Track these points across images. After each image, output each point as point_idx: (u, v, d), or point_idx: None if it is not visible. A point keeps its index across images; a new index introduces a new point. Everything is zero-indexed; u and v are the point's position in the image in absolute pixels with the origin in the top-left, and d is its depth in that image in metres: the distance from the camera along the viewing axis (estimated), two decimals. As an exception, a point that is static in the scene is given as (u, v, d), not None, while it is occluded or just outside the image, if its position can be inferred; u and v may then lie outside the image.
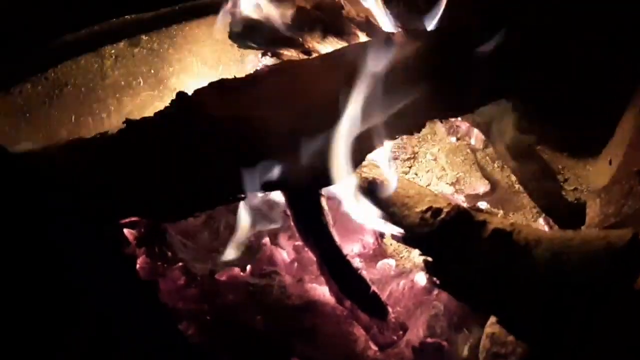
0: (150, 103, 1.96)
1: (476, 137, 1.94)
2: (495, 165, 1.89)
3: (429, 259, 1.05)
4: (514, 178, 1.85)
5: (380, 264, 1.40)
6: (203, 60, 2.06)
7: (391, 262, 1.39)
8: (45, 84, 1.69)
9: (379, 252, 1.49)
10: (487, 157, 1.90)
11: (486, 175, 1.84)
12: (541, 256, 0.93)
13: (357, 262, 1.45)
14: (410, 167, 1.85)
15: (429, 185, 1.78)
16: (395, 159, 1.84)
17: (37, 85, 1.67)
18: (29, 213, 1.23)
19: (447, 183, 1.77)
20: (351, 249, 1.48)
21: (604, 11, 1.50)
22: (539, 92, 1.73)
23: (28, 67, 1.65)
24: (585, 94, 1.69)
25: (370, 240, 1.47)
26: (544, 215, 1.69)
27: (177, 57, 2.00)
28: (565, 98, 1.75)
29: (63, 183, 1.29)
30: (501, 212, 1.75)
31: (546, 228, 1.65)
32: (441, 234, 1.04)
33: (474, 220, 1.01)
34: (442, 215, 1.04)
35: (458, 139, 1.94)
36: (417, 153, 1.87)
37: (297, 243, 1.41)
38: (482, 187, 1.77)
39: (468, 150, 1.89)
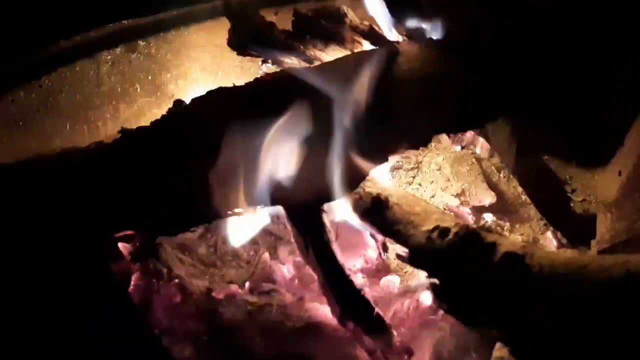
0: (148, 110, 1.92)
1: (481, 146, 1.89)
2: (502, 175, 1.84)
3: (436, 281, 1.00)
4: (520, 189, 1.80)
5: (383, 280, 1.35)
6: (202, 66, 2.02)
7: (395, 279, 1.34)
8: (39, 91, 1.64)
9: (382, 267, 1.44)
10: (493, 167, 1.86)
11: (492, 186, 1.79)
12: (555, 282, 0.88)
13: (359, 278, 1.41)
14: (414, 177, 1.80)
15: (433, 196, 1.73)
16: (399, 168, 1.79)
17: (30, 92, 1.62)
18: (19, 226, 1.20)
19: (452, 194, 1.72)
20: (353, 264, 1.43)
21: (613, 17, 1.46)
22: (547, 101, 1.68)
23: (21, 74, 1.60)
24: (594, 101, 1.65)
25: (373, 255, 1.42)
26: (552, 229, 1.64)
27: (175, 62, 1.96)
28: (572, 106, 1.71)
29: (55, 194, 1.26)
30: (507, 224, 1.71)
31: (554, 242, 1.60)
32: (449, 256, 0.99)
33: (484, 242, 0.96)
34: (450, 236, 1.00)
35: (463, 148, 1.90)
36: (420, 162, 1.82)
37: (297, 259, 1.36)
38: (488, 198, 1.72)
39: (473, 160, 1.84)
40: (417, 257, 1.04)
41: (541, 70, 1.37)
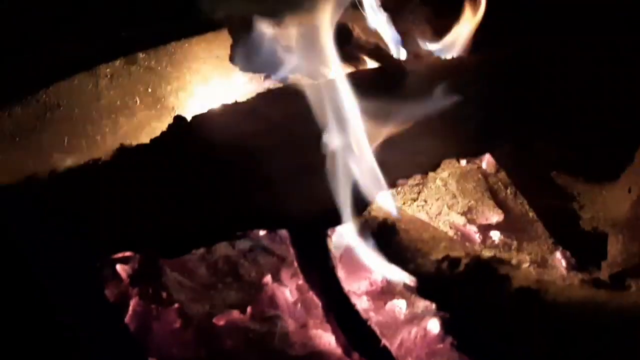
0: (147, 123, 1.88)
1: (487, 161, 1.85)
2: (509, 191, 1.80)
3: (446, 314, 0.96)
4: (528, 205, 1.76)
5: (389, 305, 1.31)
6: (203, 78, 1.98)
7: (401, 303, 1.29)
8: (36, 106, 1.60)
9: (388, 290, 1.40)
10: (500, 183, 1.81)
11: (499, 202, 1.75)
12: (571, 320, 0.84)
13: (364, 301, 1.37)
14: (418, 194, 1.75)
15: (439, 214, 1.69)
16: (403, 184, 1.75)
17: (27, 107, 1.58)
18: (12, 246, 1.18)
19: (458, 212, 1.68)
20: (358, 287, 1.39)
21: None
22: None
23: (18, 88, 1.56)
24: (604, 115, 1.62)
25: (378, 277, 1.38)
26: (561, 248, 1.60)
27: (175, 75, 1.92)
28: (581, 119, 1.68)
29: (51, 214, 1.23)
30: (515, 242, 1.66)
31: (563, 262, 1.56)
32: (459, 288, 0.96)
33: (496, 274, 0.93)
34: (461, 268, 0.96)
35: (468, 162, 1.85)
36: (425, 178, 1.78)
37: (300, 282, 1.32)
38: (495, 216, 1.68)
39: (479, 175, 1.80)
40: (426, 288, 1.00)
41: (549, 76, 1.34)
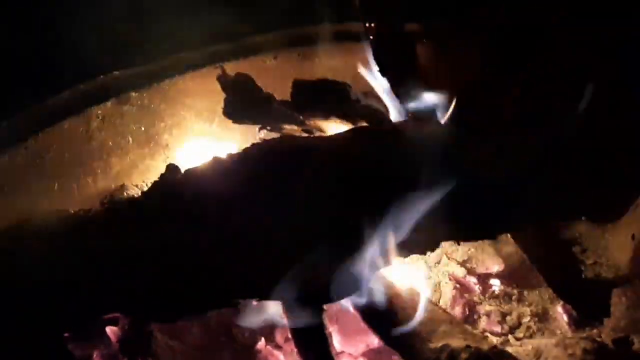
0: (140, 162, 1.84)
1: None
2: (508, 235, 1.76)
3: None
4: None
5: (387, 374, 1.28)
6: (197, 113, 1.93)
7: (399, 373, 1.26)
8: (24, 153, 1.55)
9: (385, 350, 1.36)
10: (500, 226, 1.77)
11: (498, 249, 1.71)
12: None
13: (361, 364, 1.35)
14: (417, 240, 1.72)
15: (438, 262, 1.66)
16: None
17: (15, 155, 1.54)
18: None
19: (457, 262, 1.65)
20: (355, 349, 1.36)
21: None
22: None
23: (5, 136, 1.52)
24: (607, 151, 1.57)
25: (375, 340, 1.35)
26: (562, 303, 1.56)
27: (169, 112, 1.88)
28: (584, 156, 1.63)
29: (35, 272, 1.19)
30: (515, 292, 1.63)
31: (565, 317, 1.53)
32: (458, 385, 0.92)
33: (497, 372, 0.89)
34: (460, 363, 0.92)
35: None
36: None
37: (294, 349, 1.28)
38: (496, 265, 1.65)
39: (479, 219, 1.76)
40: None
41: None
